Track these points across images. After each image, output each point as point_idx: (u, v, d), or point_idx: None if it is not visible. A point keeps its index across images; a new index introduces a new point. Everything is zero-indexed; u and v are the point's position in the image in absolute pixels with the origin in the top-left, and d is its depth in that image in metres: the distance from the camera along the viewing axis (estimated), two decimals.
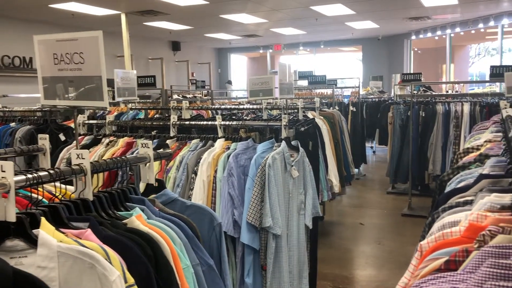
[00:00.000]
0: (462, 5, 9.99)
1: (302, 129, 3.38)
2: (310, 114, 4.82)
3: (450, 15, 11.49)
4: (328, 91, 9.19)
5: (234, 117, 3.78)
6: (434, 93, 8.52)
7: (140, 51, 13.27)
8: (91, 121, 3.68)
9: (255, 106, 4.59)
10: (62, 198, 1.38)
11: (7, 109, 5.10)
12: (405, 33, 14.22)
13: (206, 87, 11.27)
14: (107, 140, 3.21)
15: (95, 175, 2.93)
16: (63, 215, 1.22)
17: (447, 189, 1.90)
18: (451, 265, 0.97)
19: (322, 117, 4.96)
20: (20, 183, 1.13)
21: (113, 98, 5.15)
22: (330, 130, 4.96)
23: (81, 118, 3.55)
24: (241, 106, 4.62)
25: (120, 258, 1.14)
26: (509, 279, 0.75)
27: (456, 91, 11.13)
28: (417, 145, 5.92)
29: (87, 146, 3.20)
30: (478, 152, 2.42)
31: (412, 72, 13.61)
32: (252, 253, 2.70)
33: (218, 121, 2.99)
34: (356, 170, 7.74)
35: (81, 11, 9.34)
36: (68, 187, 1.46)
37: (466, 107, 5.55)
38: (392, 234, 5.32)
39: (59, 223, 1.20)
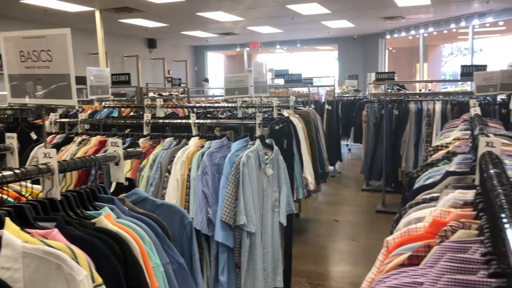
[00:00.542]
0: (434, 6, 10.19)
1: (277, 127, 3.40)
2: (286, 113, 4.85)
3: (423, 15, 11.70)
4: (304, 90, 9.25)
5: (209, 115, 3.78)
6: (407, 91, 8.68)
7: (115, 48, 13.10)
8: (63, 120, 3.62)
9: (231, 104, 4.59)
10: (30, 198, 1.36)
11: None
12: (380, 32, 14.42)
13: (182, 85, 11.19)
14: (79, 139, 3.17)
15: (68, 174, 2.90)
16: (29, 215, 1.20)
17: (416, 186, 1.95)
18: (414, 260, 1.00)
19: (297, 116, 4.99)
20: None
21: (87, 96, 5.08)
22: (306, 128, 5.00)
23: (53, 117, 3.49)
24: (217, 104, 4.61)
25: (88, 257, 1.13)
26: (464, 272, 0.78)
27: (429, 90, 11.35)
28: (390, 143, 6.02)
29: (58, 145, 3.15)
30: (447, 150, 2.48)
31: (386, 71, 13.82)
32: (226, 251, 2.70)
33: (192, 119, 2.99)
34: (331, 168, 7.83)
35: (54, 7, 9.16)
36: (35, 186, 1.44)
37: (438, 106, 5.67)
38: (366, 230, 5.40)
39: (25, 223, 1.18)
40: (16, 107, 4.77)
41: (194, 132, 3.02)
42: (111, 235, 1.24)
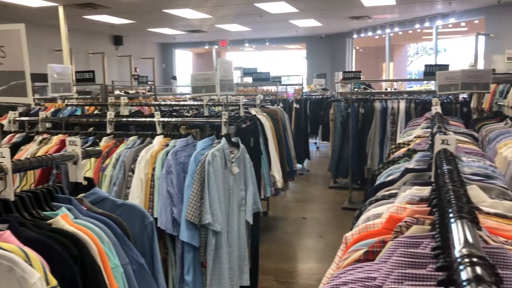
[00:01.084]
0: (399, 6, 10.41)
1: (244, 125, 3.40)
2: (253, 111, 4.85)
3: (389, 15, 11.94)
4: (273, 88, 9.29)
5: (175, 113, 3.74)
6: (373, 90, 8.83)
7: (80, 45, 12.80)
8: (23, 118, 3.51)
9: (198, 103, 4.56)
10: None
11: None
12: (347, 32, 14.62)
13: (149, 83, 11.05)
14: (40, 138, 3.08)
15: (30, 174, 2.82)
16: None
17: (377, 182, 1.98)
18: (370, 256, 1.01)
19: (265, 114, 5.01)
20: None
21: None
22: (273, 127, 5.02)
23: (11, 115, 3.37)
24: (183, 102, 4.57)
25: (42, 259, 1.10)
26: (415, 266, 0.80)
27: (395, 89, 11.59)
28: (356, 141, 6.11)
29: (18, 144, 3.05)
30: (408, 148, 2.54)
31: (353, 70, 14.03)
32: (192, 251, 2.69)
33: (157, 118, 2.95)
34: (299, 166, 7.89)
35: (14, 1, 8.88)
36: None
37: (402, 104, 5.79)
38: (333, 227, 5.47)
39: None
40: None
41: (159, 130, 2.98)
42: (68, 236, 1.21)
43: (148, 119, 3.03)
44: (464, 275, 0.49)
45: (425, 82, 12.71)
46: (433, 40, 12.58)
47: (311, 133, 9.55)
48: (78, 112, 5.10)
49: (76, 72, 5.99)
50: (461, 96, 6.03)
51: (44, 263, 1.10)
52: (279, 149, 5.12)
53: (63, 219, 1.27)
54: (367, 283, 0.83)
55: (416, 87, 13.67)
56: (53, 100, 5.65)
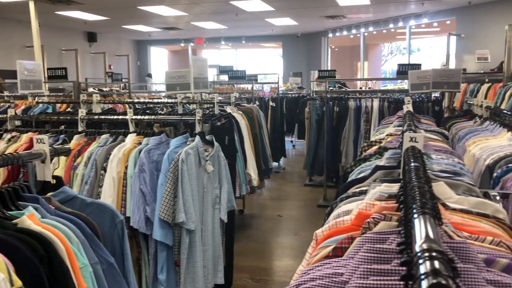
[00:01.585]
0: (374, 6, 10.54)
1: (218, 123, 3.39)
2: (229, 109, 4.84)
3: (363, 14, 12.07)
4: (249, 87, 9.29)
5: (148, 111, 3.70)
6: (348, 89, 8.92)
7: (53, 41, 12.53)
8: None
9: (173, 100, 4.52)
10: None
11: None
12: (323, 31, 14.72)
13: (124, 80, 10.90)
14: (8, 136, 3.00)
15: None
16: None
17: (348, 180, 2.00)
18: (338, 252, 1.03)
19: (241, 112, 5.00)
20: None
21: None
22: (249, 125, 5.02)
23: None
24: (156, 100, 4.53)
25: (7, 260, 1.08)
26: (380, 262, 0.81)
27: (369, 88, 11.74)
28: (331, 139, 6.17)
29: None
30: (379, 145, 2.58)
31: (329, 69, 14.14)
32: (165, 250, 2.67)
33: (129, 115, 2.91)
34: (275, 164, 7.92)
35: None
36: None
37: (376, 103, 5.87)
38: (308, 224, 5.51)
39: None
40: None
41: (132, 128, 2.95)
42: (34, 236, 1.19)
43: (120, 116, 2.99)
44: (422, 269, 0.50)
45: (399, 81, 12.93)
46: (407, 39, 12.79)
47: (287, 131, 9.60)
48: (50, 110, 4.99)
49: (48, 69, 5.87)
50: (433, 95, 6.14)
51: (9, 263, 1.08)
52: (255, 147, 5.13)
53: (29, 218, 1.24)
54: (334, 279, 0.84)
55: (390, 86, 13.89)
56: (24, 97, 5.52)
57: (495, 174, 1.94)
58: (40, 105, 5.01)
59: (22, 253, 1.12)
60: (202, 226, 2.82)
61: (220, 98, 5.45)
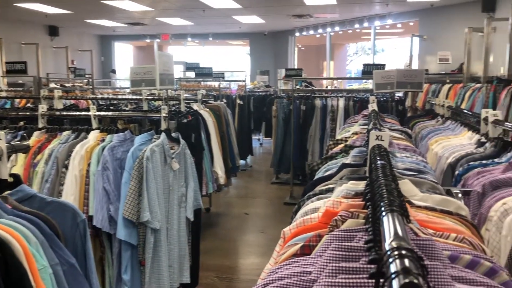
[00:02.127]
0: (340, 6, 10.67)
1: (185, 121, 3.34)
2: (195, 106, 4.79)
3: (329, 14, 12.21)
4: (216, 84, 9.23)
5: (112, 107, 3.61)
6: (314, 88, 9.01)
7: (12, 35, 12.07)
8: None
9: (138, 97, 4.43)
10: None
11: None
12: (290, 29, 14.81)
13: (87, 76, 10.62)
14: None
15: None
16: None
17: (315, 178, 2.01)
18: (306, 250, 1.02)
19: (208, 110, 4.96)
20: None
21: None
22: (216, 122, 4.98)
23: None
24: (121, 96, 4.43)
25: None
26: (348, 260, 0.81)
27: (335, 87, 11.90)
28: (298, 137, 6.21)
29: None
30: (345, 144, 2.60)
31: (295, 67, 14.24)
32: (129, 249, 2.61)
33: (92, 112, 2.83)
34: (243, 162, 7.91)
35: None
36: None
37: (341, 102, 5.95)
38: (275, 222, 5.52)
39: None
40: None
41: (95, 125, 2.87)
42: None
43: (83, 113, 2.90)
44: (392, 268, 0.50)
45: (363, 80, 13.16)
46: (371, 40, 13.02)
47: (254, 129, 9.60)
48: (8, 105, 4.81)
49: (7, 63, 5.65)
50: (396, 95, 6.27)
51: None
52: (222, 145, 5.10)
53: None
54: (303, 277, 0.83)
55: (355, 85, 14.12)
56: None
57: (456, 172, 1.99)
58: None
59: None
60: (167, 225, 2.78)
61: (186, 95, 5.39)
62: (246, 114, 8.43)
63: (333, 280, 0.75)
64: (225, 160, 5.15)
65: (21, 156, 2.55)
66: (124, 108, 3.94)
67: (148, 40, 17.00)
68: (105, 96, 4.49)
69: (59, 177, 2.59)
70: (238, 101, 8.37)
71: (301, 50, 17.55)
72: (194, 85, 9.19)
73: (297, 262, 0.93)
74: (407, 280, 0.45)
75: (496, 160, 1.94)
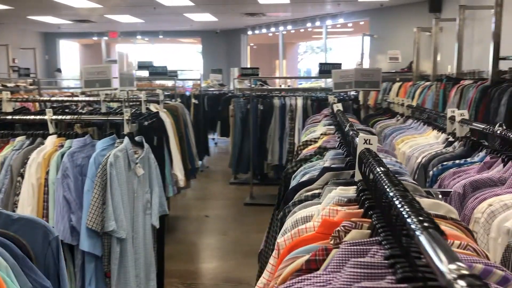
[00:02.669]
0: (292, 5, 10.74)
1: (146, 123, 3.21)
2: (153, 107, 4.63)
3: (282, 13, 12.27)
4: (169, 83, 9.03)
5: (67, 110, 3.42)
6: (270, 87, 9.01)
7: None
8: None
9: (91, 98, 4.23)
10: None
11: None
12: (242, 28, 14.77)
13: (31, 76, 10.10)
14: None
15: None
16: None
17: (293, 182, 1.97)
18: (312, 265, 0.97)
19: (165, 110, 4.81)
20: None
21: None
22: (174, 123, 4.85)
23: None
24: (76, 98, 4.21)
25: None
26: (371, 278, 0.76)
27: (289, 86, 11.97)
28: (257, 136, 6.17)
29: None
30: (317, 145, 2.58)
31: (248, 66, 14.21)
32: (93, 260, 2.47)
33: (49, 115, 2.65)
34: (200, 163, 7.78)
35: None
36: None
37: (300, 101, 5.97)
38: (236, 224, 5.47)
39: None
40: None
41: (52, 130, 2.69)
42: None
43: (38, 117, 2.71)
44: None
45: (312, 80, 13.36)
46: (323, 39, 13.22)
47: (209, 129, 9.48)
48: None
49: None
50: (352, 93, 6.36)
51: None
52: (181, 147, 4.97)
53: None
54: None
55: (305, 84, 14.24)
56: None
57: (431, 173, 2.01)
58: None
59: None
60: (133, 234, 2.65)
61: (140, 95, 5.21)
62: (201, 114, 8.31)
63: None
64: (184, 162, 5.02)
65: None
66: (80, 110, 3.74)
67: (95, 38, 16.42)
68: (58, 98, 4.24)
69: (14, 187, 2.41)
70: (193, 100, 8.22)
71: (253, 48, 17.55)
72: (147, 84, 8.93)
73: (308, 279, 0.88)
74: None
75: (468, 160, 1.97)
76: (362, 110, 8.53)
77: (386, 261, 0.79)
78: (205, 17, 12.53)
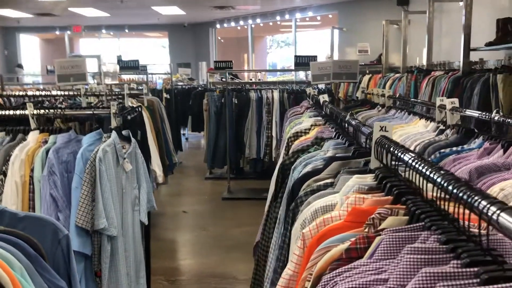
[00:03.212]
0: None
1: (129, 117, 3.12)
2: (129, 102, 4.51)
3: (251, 6, 12.21)
4: (139, 77, 8.84)
5: (47, 104, 3.28)
6: (241, 80, 8.97)
7: None
8: None
9: (65, 93, 4.09)
10: None
11: None
12: (210, 21, 14.61)
13: None
14: None
15: None
16: None
17: (294, 173, 1.95)
18: (353, 253, 0.94)
19: (140, 104, 4.70)
20: None
21: None
22: (151, 118, 4.75)
23: None
24: (55, 93, 4.06)
25: None
26: (434, 264, 0.75)
27: (259, 79, 11.94)
28: (232, 130, 6.12)
29: None
30: (310, 136, 2.57)
31: (216, 60, 14.08)
32: (83, 260, 2.37)
33: (30, 110, 2.53)
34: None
35: None
36: None
37: (276, 94, 5.95)
38: (215, 218, 5.41)
39: None
40: None
41: (33, 125, 2.56)
42: None
43: (18, 112, 2.58)
44: None
45: (278, 73, 13.40)
46: (292, 32, 13.25)
47: (180, 123, 9.35)
48: None
49: None
50: (321, 87, 6.38)
51: None
52: (158, 142, 4.88)
53: None
54: (379, 287, 0.76)
55: (277, 77, 14.23)
56: None
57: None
58: None
59: None
60: (122, 231, 2.57)
61: (117, 90, 5.08)
62: (173, 109, 8.18)
63: None
64: (162, 158, 4.93)
65: None
66: (59, 105, 3.60)
67: (57, 33, 15.88)
68: (35, 93, 4.04)
69: None
70: (165, 95, 8.09)
71: (220, 42, 17.41)
72: (117, 79, 8.71)
73: (356, 268, 0.86)
74: None
75: (465, 146, 2.00)
76: (334, 102, 8.64)
77: (444, 246, 0.77)
78: (172, 10, 12.32)
